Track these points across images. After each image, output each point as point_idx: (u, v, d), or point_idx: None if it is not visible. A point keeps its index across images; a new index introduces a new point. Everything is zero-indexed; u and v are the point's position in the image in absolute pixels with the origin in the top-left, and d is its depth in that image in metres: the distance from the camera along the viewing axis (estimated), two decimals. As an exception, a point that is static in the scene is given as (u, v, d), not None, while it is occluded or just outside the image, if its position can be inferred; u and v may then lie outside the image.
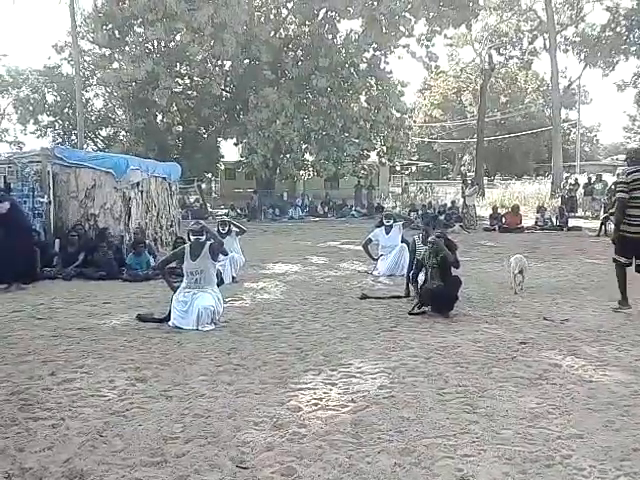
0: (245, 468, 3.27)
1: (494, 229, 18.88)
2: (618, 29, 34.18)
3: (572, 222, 19.64)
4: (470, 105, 53.75)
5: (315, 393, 4.44)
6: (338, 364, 5.15)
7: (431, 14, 27.33)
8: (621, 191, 7.05)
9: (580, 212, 23.63)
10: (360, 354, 5.47)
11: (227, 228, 9.85)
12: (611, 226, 16.92)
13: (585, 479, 3.13)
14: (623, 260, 7.18)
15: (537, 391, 4.44)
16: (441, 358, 5.30)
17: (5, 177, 11.14)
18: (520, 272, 8.52)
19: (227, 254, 7.63)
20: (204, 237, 6.84)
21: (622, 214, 7.03)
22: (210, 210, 27.33)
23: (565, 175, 30.11)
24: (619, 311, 7.10)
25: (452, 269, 7.16)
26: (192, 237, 6.85)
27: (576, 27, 36.29)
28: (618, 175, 7.12)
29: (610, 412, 4.02)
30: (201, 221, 7.09)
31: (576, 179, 26.69)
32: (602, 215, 18.71)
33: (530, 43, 37.20)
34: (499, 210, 20.75)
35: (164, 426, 3.84)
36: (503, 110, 53.22)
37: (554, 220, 19.41)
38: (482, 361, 5.19)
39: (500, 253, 13.03)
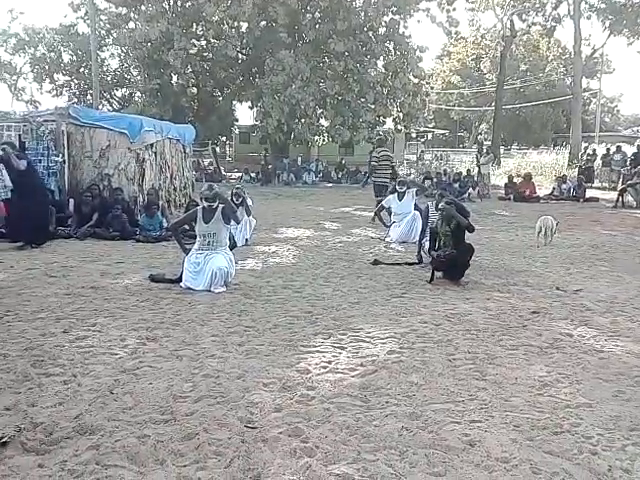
0: (253, 428, 3.29)
1: (509, 198, 18.74)
2: (646, -5, 33.13)
3: (589, 193, 19.40)
4: (489, 73, 52.70)
5: (324, 356, 4.45)
6: (348, 328, 5.15)
7: (453, -23, 26.73)
8: (372, 161, 13.41)
9: (597, 183, 23.32)
10: (370, 319, 5.47)
11: (241, 199, 9.77)
12: (629, 198, 16.94)
13: (593, 447, 3.12)
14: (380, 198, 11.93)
15: (547, 359, 4.42)
16: (451, 325, 5.29)
17: (20, 135, 11.16)
18: (545, 232, 9.72)
19: (239, 222, 7.70)
20: (216, 203, 6.80)
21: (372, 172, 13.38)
22: (224, 174, 27.26)
23: (583, 145, 29.60)
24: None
25: (466, 236, 7.10)
26: (205, 203, 6.82)
27: (602, -7, 35.20)
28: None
29: (620, 382, 4.00)
30: (214, 185, 7.02)
31: (594, 149, 26.23)
32: (620, 186, 18.45)
33: (554, 9, 36.13)
34: (515, 180, 20.54)
35: (174, 385, 3.87)
36: (523, 78, 52.12)
37: (572, 190, 19.16)
38: (493, 329, 5.17)
39: (514, 222, 12.96)
